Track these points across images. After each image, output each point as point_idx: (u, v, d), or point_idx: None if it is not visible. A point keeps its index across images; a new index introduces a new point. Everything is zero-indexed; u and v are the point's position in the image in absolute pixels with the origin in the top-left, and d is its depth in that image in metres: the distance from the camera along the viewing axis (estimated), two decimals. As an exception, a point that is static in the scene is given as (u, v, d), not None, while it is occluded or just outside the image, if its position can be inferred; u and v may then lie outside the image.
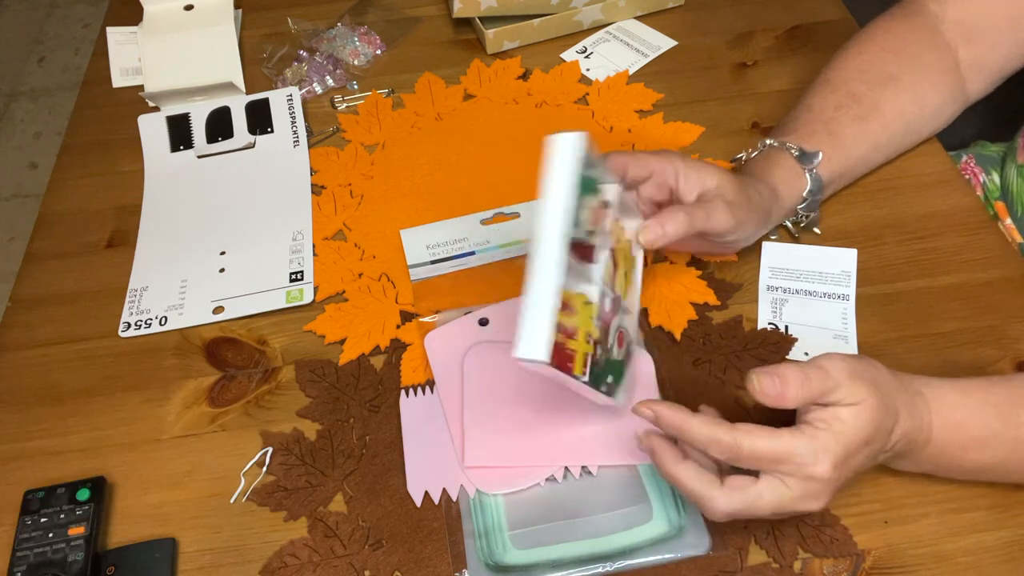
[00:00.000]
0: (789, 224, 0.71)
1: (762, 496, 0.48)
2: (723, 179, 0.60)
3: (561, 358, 0.50)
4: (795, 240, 0.72)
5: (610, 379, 0.55)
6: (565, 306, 0.50)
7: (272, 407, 0.65)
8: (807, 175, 0.67)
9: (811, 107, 0.71)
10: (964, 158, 0.89)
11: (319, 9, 0.97)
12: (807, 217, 0.70)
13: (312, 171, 0.81)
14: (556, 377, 0.51)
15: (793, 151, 0.67)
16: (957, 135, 0.80)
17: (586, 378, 0.52)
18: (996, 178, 0.87)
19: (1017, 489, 0.56)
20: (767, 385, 0.49)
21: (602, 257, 0.54)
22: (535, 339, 0.48)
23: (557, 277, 0.49)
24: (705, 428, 0.49)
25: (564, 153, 0.51)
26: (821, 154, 0.67)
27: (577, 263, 0.51)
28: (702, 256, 0.71)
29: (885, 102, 0.70)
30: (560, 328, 0.49)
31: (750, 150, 0.71)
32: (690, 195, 0.60)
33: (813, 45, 0.89)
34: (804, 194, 0.68)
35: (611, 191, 0.56)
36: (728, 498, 0.49)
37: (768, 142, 0.69)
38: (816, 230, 0.72)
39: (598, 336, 0.53)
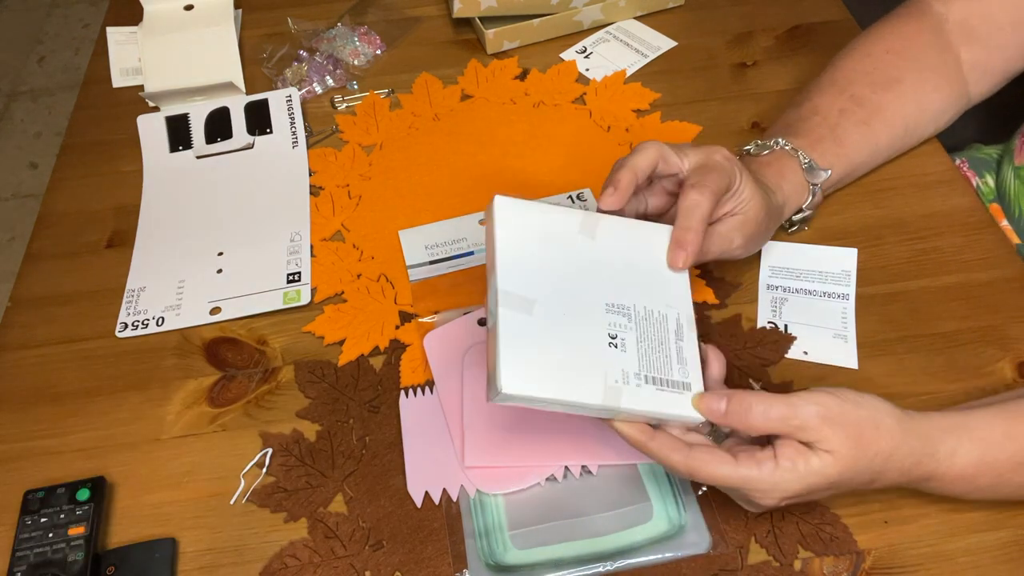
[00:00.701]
0: (785, 224, 0.71)
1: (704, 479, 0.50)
2: (752, 193, 0.59)
3: None
4: (789, 235, 0.72)
5: None
6: None
7: (272, 407, 0.65)
8: (810, 189, 0.67)
9: (818, 109, 0.70)
10: (957, 161, 0.89)
11: (319, 9, 0.97)
12: (800, 223, 0.70)
13: (310, 172, 0.81)
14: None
15: (803, 161, 0.67)
16: (955, 136, 0.80)
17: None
18: (990, 181, 0.87)
19: (1017, 489, 0.56)
20: (709, 402, 0.50)
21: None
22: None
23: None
24: (661, 452, 0.50)
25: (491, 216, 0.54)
26: (830, 172, 0.67)
27: None
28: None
29: (888, 105, 0.71)
30: None
31: (758, 142, 0.69)
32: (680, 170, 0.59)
33: (813, 45, 0.89)
34: (804, 205, 0.68)
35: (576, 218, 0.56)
36: (678, 460, 0.49)
37: (780, 143, 0.68)
38: (805, 227, 0.72)
39: None
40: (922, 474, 0.51)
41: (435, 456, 0.60)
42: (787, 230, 0.71)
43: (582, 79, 0.88)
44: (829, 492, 0.50)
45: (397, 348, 0.67)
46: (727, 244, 0.59)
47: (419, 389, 0.64)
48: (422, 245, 0.73)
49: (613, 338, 0.51)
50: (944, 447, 0.50)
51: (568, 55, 0.90)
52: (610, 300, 0.53)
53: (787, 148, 0.67)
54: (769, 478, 0.48)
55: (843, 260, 0.69)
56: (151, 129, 0.84)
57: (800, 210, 0.68)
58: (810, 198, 0.68)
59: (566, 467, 0.59)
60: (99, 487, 0.59)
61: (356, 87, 0.89)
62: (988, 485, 0.52)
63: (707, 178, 0.56)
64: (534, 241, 0.53)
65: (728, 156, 0.58)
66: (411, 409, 0.63)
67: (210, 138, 0.84)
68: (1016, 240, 0.83)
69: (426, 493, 0.58)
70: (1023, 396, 0.54)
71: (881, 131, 0.71)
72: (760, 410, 0.48)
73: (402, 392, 0.64)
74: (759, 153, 0.68)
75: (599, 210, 0.56)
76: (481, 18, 0.90)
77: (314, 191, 0.80)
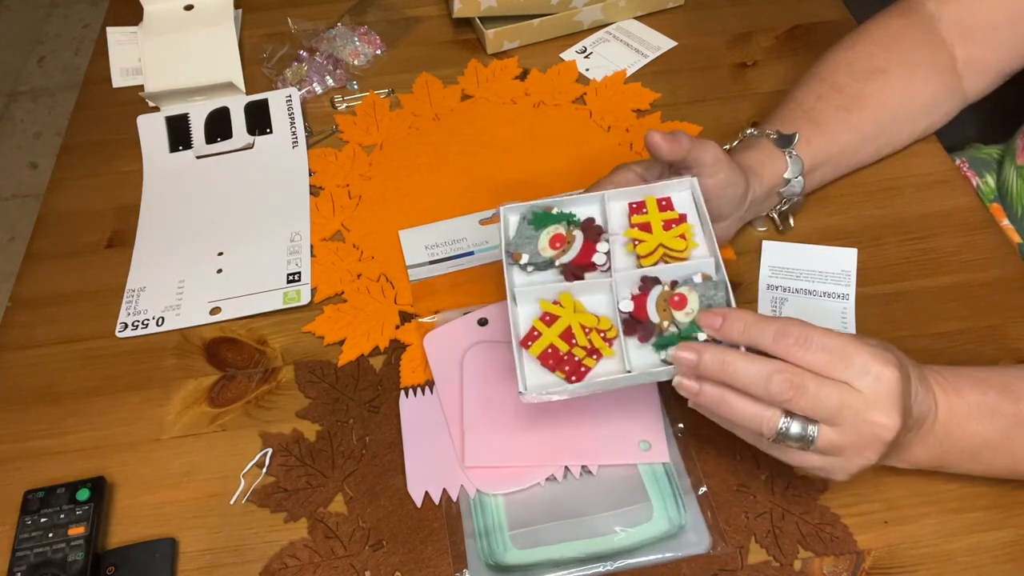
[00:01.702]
0: (775, 215, 0.71)
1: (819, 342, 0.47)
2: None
3: (574, 371, 0.52)
4: (782, 233, 0.72)
5: (664, 352, 0.52)
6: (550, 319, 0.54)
7: (272, 407, 0.65)
8: (787, 157, 0.67)
9: (795, 98, 0.72)
10: (957, 161, 0.89)
11: (319, 9, 0.97)
12: (789, 202, 0.70)
13: (310, 172, 0.81)
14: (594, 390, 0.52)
15: (771, 135, 0.68)
16: (955, 135, 0.80)
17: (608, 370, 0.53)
18: (990, 180, 0.87)
19: (1017, 489, 0.56)
20: (707, 317, 0.49)
21: (600, 260, 0.56)
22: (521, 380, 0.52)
23: (514, 331, 0.54)
24: (755, 366, 0.46)
25: (501, 225, 0.58)
26: (798, 135, 0.68)
27: (579, 282, 0.55)
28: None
29: (869, 93, 0.71)
30: (550, 352, 0.53)
31: (734, 141, 0.71)
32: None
33: (813, 45, 0.89)
34: (786, 175, 0.67)
35: (590, 209, 0.59)
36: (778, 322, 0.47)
37: (748, 131, 0.69)
38: (790, 221, 0.71)
39: (608, 326, 0.54)
40: (940, 403, 0.51)
41: (435, 456, 0.60)
42: (777, 225, 0.71)
43: (582, 79, 0.88)
44: (908, 414, 0.48)
45: (397, 348, 0.67)
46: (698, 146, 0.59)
47: (419, 389, 0.64)
48: (422, 245, 0.73)
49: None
50: (937, 372, 0.52)
51: (568, 55, 0.90)
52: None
53: (755, 133, 0.69)
54: (880, 355, 0.46)
55: (843, 260, 0.69)
56: (151, 129, 0.84)
57: (787, 182, 0.68)
58: (790, 165, 0.67)
59: (566, 467, 0.59)
60: (99, 487, 0.59)
61: (356, 87, 0.89)
62: (1004, 428, 0.51)
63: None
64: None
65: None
66: (411, 409, 0.63)
67: (210, 138, 0.84)
68: (1018, 239, 0.83)
69: (426, 493, 0.58)
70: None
71: (865, 117, 0.71)
72: (820, 330, 0.47)
73: (402, 392, 0.64)
74: (733, 147, 0.70)
75: None
76: (481, 18, 0.90)
77: (314, 191, 0.80)
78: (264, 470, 0.61)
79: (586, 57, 0.90)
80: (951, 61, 0.73)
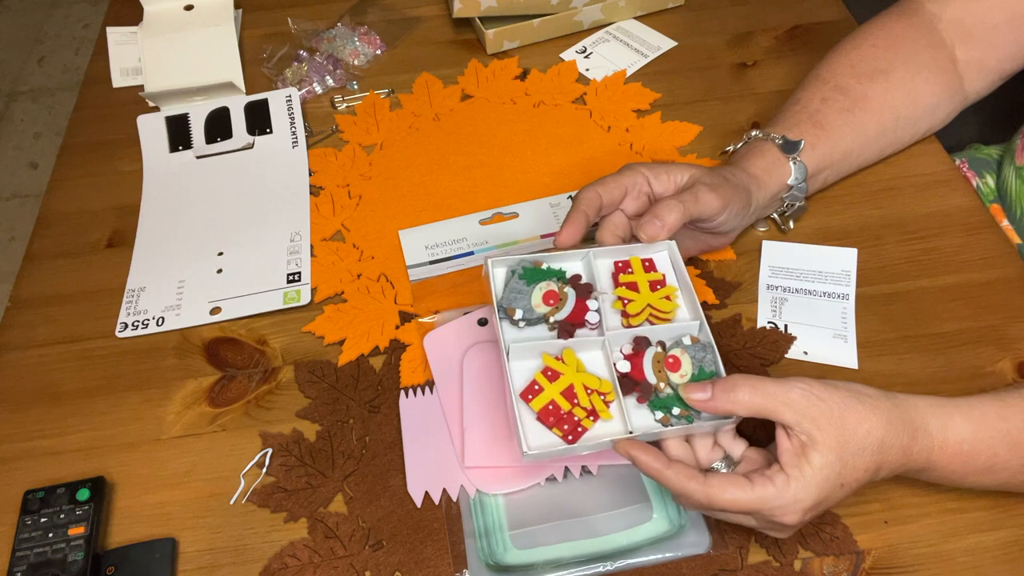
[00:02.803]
0: (776, 216, 0.71)
1: (721, 506, 0.49)
2: (695, 170, 0.62)
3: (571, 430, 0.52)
4: (783, 234, 0.72)
5: (677, 411, 0.53)
6: (553, 376, 0.54)
7: (272, 407, 0.65)
8: (791, 164, 0.67)
9: (798, 100, 0.71)
10: (957, 162, 0.89)
11: (319, 9, 0.97)
12: (792, 207, 0.70)
13: (310, 172, 0.81)
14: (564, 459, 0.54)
15: (776, 140, 0.68)
16: (955, 136, 0.80)
17: (607, 432, 0.53)
18: (990, 181, 0.87)
19: (1017, 489, 0.56)
20: (693, 389, 0.50)
21: (592, 319, 0.57)
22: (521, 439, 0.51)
23: (509, 384, 0.54)
24: (676, 480, 0.49)
25: (490, 279, 0.58)
26: (803, 142, 0.67)
27: (572, 340, 0.56)
28: (700, 255, 0.71)
29: (873, 95, 0.71)
30: (552, 412, 0.53)
31: (737, 143, 0.71)
32: (668, 194, 0.61)
33: (813, 45, 0.89)
34: (789, 182, 0.68)
35: (576, 265, 0.60)
36: (695, 488, 0.49)
37: (753, 134, 0.69)
38: (791, 223, 0.71)
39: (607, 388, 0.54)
40: (921, 451, 0.50)
41: (435, 456, 0.60)
42: (782, 216, 0.71)
43: (582, 79, 0.88)
44: (844, 491, 0.49)
45: (397, 348, 0.67)
46: (696, 200, 0.59)
47: (419, 389, 0.64)
48: (422, 245, 0.73)
49: None
50: (935, 420, 0.51)
51: (568, 55, 0.90)
52: None
53: (760, 135, 0.68)
54: (784, 490, 0.48)
55: (843, 260, 0.69)
56: (151, 129, 0.84)
57: (790, 188, 0.68)
58: (793, 172, 0.67)
59: (566, 467, 0.59)
60: (99, 487, 0.59)
61: (356, 87, 0.89)
62: (984, 466, 0.52)
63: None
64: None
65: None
66: (411, 409, 0.63)
67: (210, 138, 0.84)
68: (1017, 240, 0.83)
69: (426, 493, 0.58)
70: (1017, 388, 0.54)
71: (868, 120, 0.71)
72: (748, 386, 0.49)
73: (402, 392, 0.64)
74: (735, 149, 0.70)
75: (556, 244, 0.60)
76: (481, 18, 0.90)
77: (314, 191, 0.80)
78: (264, 470, 0.61)
79: (586, 57, 0.90)
80: (952, 62, 0.73)
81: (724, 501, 0.48)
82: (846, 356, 0.64)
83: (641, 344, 0.55)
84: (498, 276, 0.58)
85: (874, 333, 0.65)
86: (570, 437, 0.52)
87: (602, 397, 0.53)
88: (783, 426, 0.49)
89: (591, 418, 0.53)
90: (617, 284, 0.59)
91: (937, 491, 0.57)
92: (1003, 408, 0.52)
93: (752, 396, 0.49)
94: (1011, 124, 0.86)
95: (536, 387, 0.54)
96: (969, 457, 0.51)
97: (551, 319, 0.56)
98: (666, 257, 0.61)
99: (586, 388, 0.54)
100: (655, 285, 0.58)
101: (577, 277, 0.59)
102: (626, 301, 0.58)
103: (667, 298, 0.58)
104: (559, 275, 0.58)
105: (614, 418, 0.53)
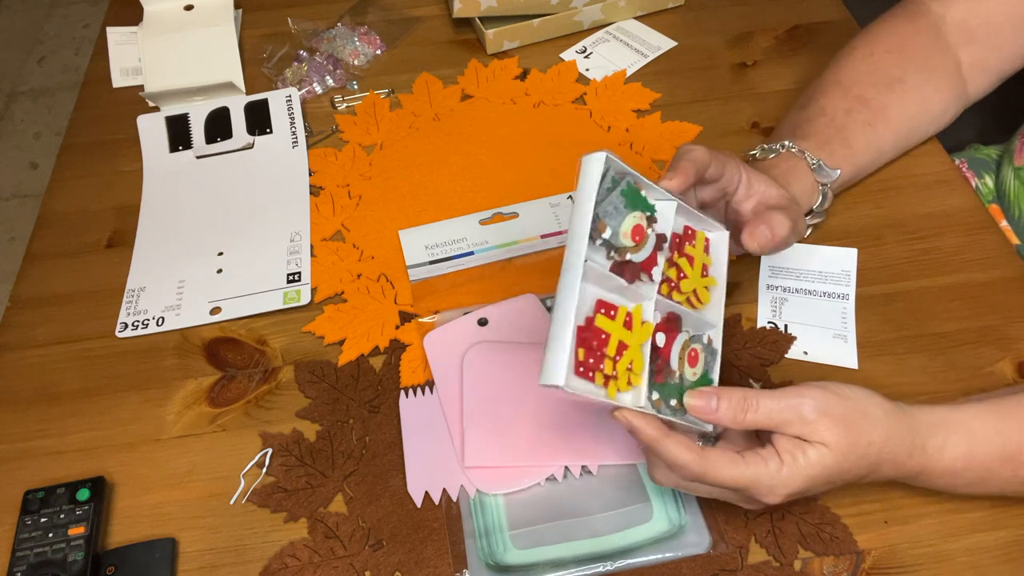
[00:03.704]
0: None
1: (714, 481, 0.49)
2: (782, 192, 0.60)
3: (597, 377, 0.48)
4: (801, 240, 0.72)
5: (674, 402, 0.51)
6: (627, 322, 0.49)
7: (272, 407, 0.65)
8: (819, 190, 0.67)
9: (824, 110, 0.70)
10: (957, 162, 0.89)
11: (319, 9, 0.97)
12: (814, 226, 0.70)
13: (310, 172, 0.81)
14: (591, 403, 0.48)
15: (811, 162, 0.66)
16: (955, 136, 0.80)
17: (627, 401, 0.49)
18: (989, 182, 0.87)
19: (1016, 489, 0.56)
20: (699, 398, 0.50)
21: (656, 275, 0.52)
22: (554, 365, 0.45)
23: (574, 303, 0.46)
24: (675, 450, 0.48)
25: (586, 173, 0.48)
26: (839, 172, 0.67)
27: (626, 284, 0.50)
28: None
29: (892, 106, 0.70)
30: (594, 347, 0.47)
31: (764, 147, 0.68)
32: (748, 202, 0.59)
33: (813, 45, 0.89)
34: (815, 207, 0.68)
35: (666, 208, 0.54)
36: (692, 460, 0.49)
37: (787, 145, 0.67)
38: (808, 231, 0.71)
39: (642, 365, 0.50)
40: (913, 467, 0.51)
41: (435, 456, 0.60)
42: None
43: (582, 79, 0.88)
44: (828, 486, 0.50)
45: (397, 348, 0.67)
46: (781, 229, 0.58)
47: (419, 389, 0.64)
48: (422, 245, 0.73)
49: None
50: (933, 441, 0.51)
51: (568, 55, 0.90)
52: None
53: (794, 150, 0.67)
54: (776, 474, 0.48)
55: (843, 260, 0.69)
56: (151, 129, 0.84)
57: (811, 212, 0.68)
58: (820, 199, 0.67)
59: (566, 467, 0.59)
60: (99, 487, 0.59)
61: (356, 87, 0.89)
62: (975, 479, 0.52)
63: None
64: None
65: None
66: (411, 409, 0.63)
67: (210, 138, 0.84)
68: (1016, 241, 0.83)
69: (426, 493, 0.58)
70: (1015, 394, 0.54)
71: (885, 133, 0.71)
72: (754, 404, 0.48)
73: (402, 392, 0.64)
74: (765, 157, 0.68)
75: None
76: (481, 18, 0.90)
77: (314, 191, 0.80)
78: (264, 470, 0.61)
79: (586, 57, 0.90)
80: (958, 65, 0.73)
81: (718, 476, 0.48)
82: (846, 356, 0.64)
83: (674, 323, 0.52)
84: (593, 173, 0.48)
85: (874, 333, 0.65)
86: (591, 374, 0.47)
87: (628, 367, 0.49)
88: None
89: (626, 381, 0.49)
90: (680, 252, 0.54)
91: (937, 491, 0.57)
92: (1000, 421, 0.52)
93: (759, 412, 0.49)
94: (1011, 125, 0.86)
95: (612, 312, 0.48)
96: (961, 473, 0.52)
97: (628, 256, 0.49)
98: (720, 245, 0.58)
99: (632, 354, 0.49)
100: (705, 270, 0.56)
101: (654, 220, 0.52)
102: (682, 275, 0.54)
103: (707, 288, 0.56)
104: (652, 211, 0.51)
105: (631, 389, 0.49)
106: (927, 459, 0.51)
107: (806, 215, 0.68)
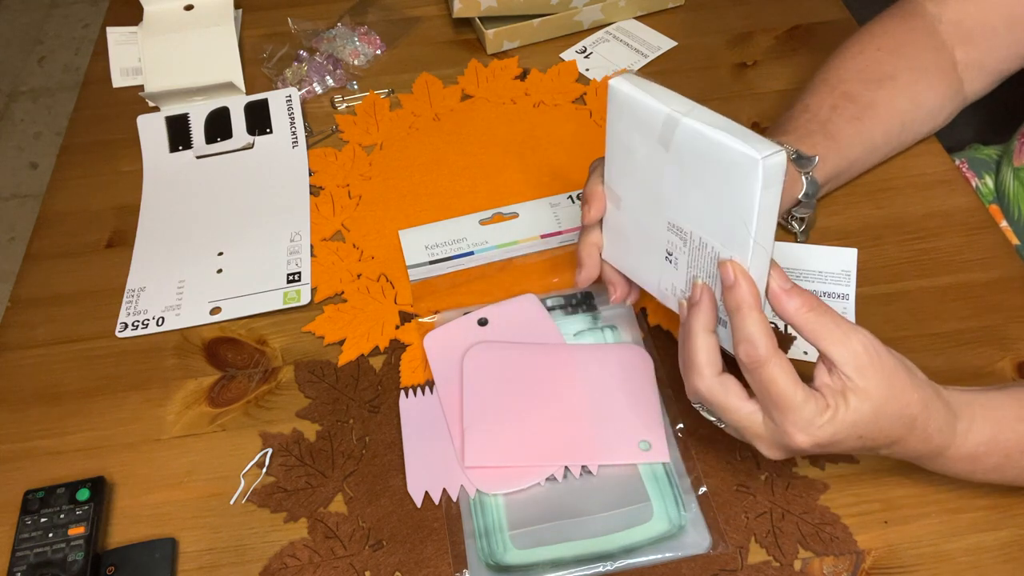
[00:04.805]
0: (795, 224, 0.71)
1: (740, 410, 0.49)
2: None
3: None
4: (797, 240, 0.72)
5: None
6: None
7: (272, 407, 0.65)
8: (803, 179, 0.67)
9: (808, 107, 0.71)
10: (957, 162, 0.89)
11: (319, 9, 0.97)
12: (803, 220, 0.70)
13: (310, 172, 0.81)
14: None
15: (791, 154, 0.67)
16: (954, 136, 0.80)
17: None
18: (989, 182, 0.87)
19: (1017, 489, 0.56)
20: (784, 285, 0.48)
21: None
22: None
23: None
24: (757, 326, 0.47)
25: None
26: (818, 159, 0.67)
27: None
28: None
29: (881, 102, 0.70)
30: None
31: None
32: None
33: (813, 45, 0.89)
34: (800, 197, 0.67)
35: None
36: (716, 386, 0.49)
37: None
38: (808, 233, 0.71)
39: None
40: (937, 445, 0.50)
41: (435, 456, 0.60)
42: (789, 229, 0.71)
43: (582, 79, 0.88)
44: (856, 444, 0.48)
45: (397, 348, 0.67)
46: None
47: (419, 389, 0.64)
48: (422, 245, 0.73)
49: (669, 254, 0.55)
50: (961, 424, 0.50)
51: (568, 55, 0.90)
52: (671, 219, 0.53)
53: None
54: (817, 411, 0.47)
55: (843, 260, 0.69)
56: (151, 129, 0.84)
57: (799, 202, 0.68)
58: (805, 186, 0.67)
59: (566, 467, 0.59)
60: (99, 487, 0.59)
61: (356, 87, 0.89)
62: (994, 466, 0.52)
63: None
64: (635, 132, 0.53)
65: None
66: (411, 409, 0.63)
67: (210, 138, 0.84)
68: (1016, 241, 0.83)
69: (426, 493, 0.58)
70: None
71: (875, 127, 0.71)
72: (824, 319, 0.47)
73: (402, 392, 0.64)
74: None
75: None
76: (481, 18, 0.90)
77: (314, 191, 0.80)
78: (264, 470, 0.61)
79: (586, 57, 0.90)
80: (953, 64, 0.73)
81: (776, 377, 0.46)
82: (846, 356, 0.64)
83: None
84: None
85: (874, 333, 0.65)
86: None
87: None
88: (829, 362, 0.47)
89: None
90: None
91: (937, 491, 0.57)
92: (1021, 409, 0.52)
93: (812, 314, 0.47)
94: (1010, 125, 0.86)
95: None
96: (982, 459, 0.51)
97: None
98: None
99: None
100: None
101: None
102: None
103: None
104: None
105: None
106: (953, 440, 0.50)
107: (793, 207, 0.68)
